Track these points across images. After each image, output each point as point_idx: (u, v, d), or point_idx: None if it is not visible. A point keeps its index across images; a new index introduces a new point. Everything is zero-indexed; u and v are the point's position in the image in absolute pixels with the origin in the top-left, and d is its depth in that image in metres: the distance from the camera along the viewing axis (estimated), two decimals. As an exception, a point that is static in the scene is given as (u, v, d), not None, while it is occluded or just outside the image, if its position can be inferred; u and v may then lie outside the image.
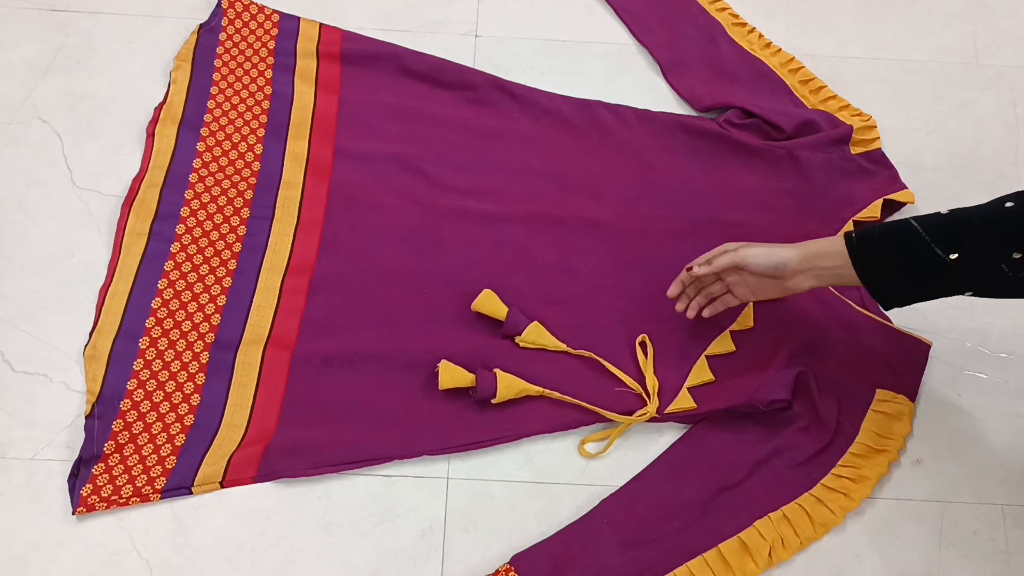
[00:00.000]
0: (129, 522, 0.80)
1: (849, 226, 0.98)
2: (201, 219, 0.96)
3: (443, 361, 0.86)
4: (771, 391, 0.84)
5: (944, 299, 0.94)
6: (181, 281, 0.92)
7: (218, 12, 1.10)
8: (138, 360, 0.87)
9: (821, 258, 0.76)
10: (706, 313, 0.87)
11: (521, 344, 0.89)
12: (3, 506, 0.81)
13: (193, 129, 1.02)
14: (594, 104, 1.08)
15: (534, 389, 0.86)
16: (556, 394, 0.86)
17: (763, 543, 0.79)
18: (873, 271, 0.74)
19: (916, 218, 0.72)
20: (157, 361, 0.87)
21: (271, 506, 0.82)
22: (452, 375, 0.85)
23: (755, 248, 0.80)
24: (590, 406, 0.86)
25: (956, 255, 0.69)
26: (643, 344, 0.91)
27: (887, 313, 0.93)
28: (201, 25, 1.09)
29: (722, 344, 0.91)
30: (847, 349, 0.90)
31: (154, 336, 0.89)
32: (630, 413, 0.86)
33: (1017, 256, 0.67)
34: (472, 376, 0.85)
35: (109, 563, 0.78)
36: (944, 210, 0.72)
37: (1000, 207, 0.69)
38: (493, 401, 0.85)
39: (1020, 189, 0.69)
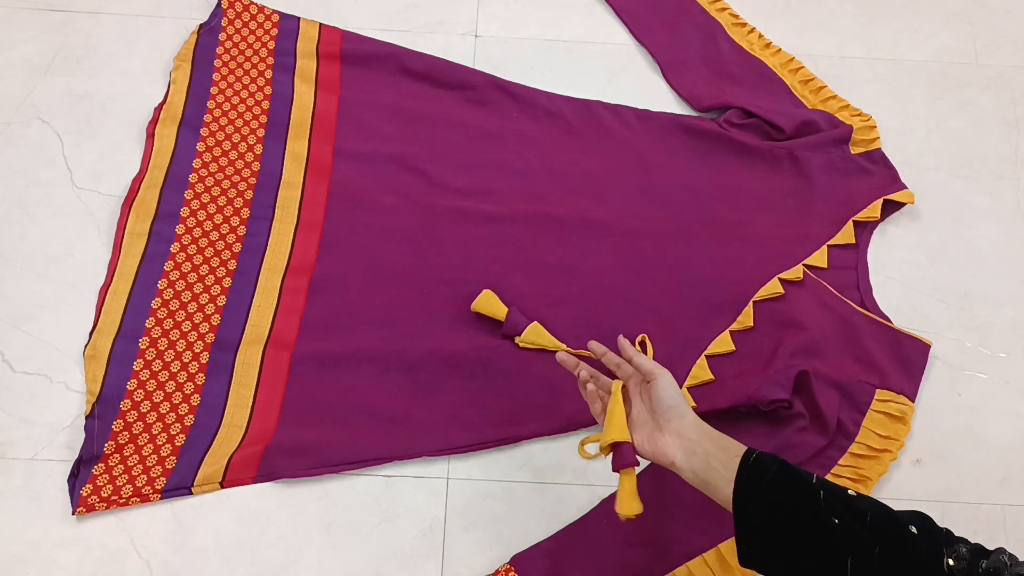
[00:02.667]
0: (129, 522, 0.80)
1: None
2: (201, 219, 0.96)
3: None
4: (771, 391, 0.84)
5: (943, 298, 0.96)
6: (181, 281, 0.92)
7: (218, 12, 1.10)
8: (138, 360, 0.87)
9: (710, 463, 0.63)
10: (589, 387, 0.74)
11: (521, 344, 0.89)
12: (3, 506, 0.81)
13: (193, 129, 1.01)
14: (594, 104, 1.08)
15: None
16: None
17: (763, 543, 0.79)
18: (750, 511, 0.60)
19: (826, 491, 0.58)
20: (157, 361, 0.87)
21: (271, 506, 0.82)
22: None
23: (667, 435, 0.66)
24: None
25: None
26: (643, 344, 0.91)
27: (887, 314, 0.93)
28: (201, 25, 1.09)
29: (722, 344, 0.91)
30: (847, 349, 0.90)
31: (154, 336, 0.89)
32: (630, 413, 0.86)
33: None
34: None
35: (109, 563, 0.78)
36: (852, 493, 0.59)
37: (906, 531, 0.55)
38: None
39: (920, 512, 0.57)
